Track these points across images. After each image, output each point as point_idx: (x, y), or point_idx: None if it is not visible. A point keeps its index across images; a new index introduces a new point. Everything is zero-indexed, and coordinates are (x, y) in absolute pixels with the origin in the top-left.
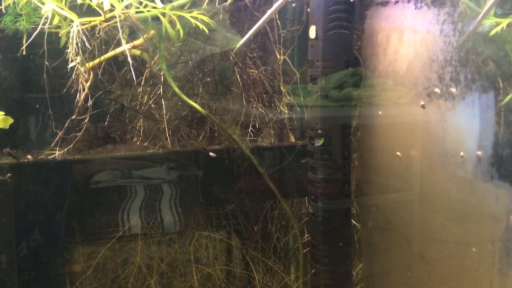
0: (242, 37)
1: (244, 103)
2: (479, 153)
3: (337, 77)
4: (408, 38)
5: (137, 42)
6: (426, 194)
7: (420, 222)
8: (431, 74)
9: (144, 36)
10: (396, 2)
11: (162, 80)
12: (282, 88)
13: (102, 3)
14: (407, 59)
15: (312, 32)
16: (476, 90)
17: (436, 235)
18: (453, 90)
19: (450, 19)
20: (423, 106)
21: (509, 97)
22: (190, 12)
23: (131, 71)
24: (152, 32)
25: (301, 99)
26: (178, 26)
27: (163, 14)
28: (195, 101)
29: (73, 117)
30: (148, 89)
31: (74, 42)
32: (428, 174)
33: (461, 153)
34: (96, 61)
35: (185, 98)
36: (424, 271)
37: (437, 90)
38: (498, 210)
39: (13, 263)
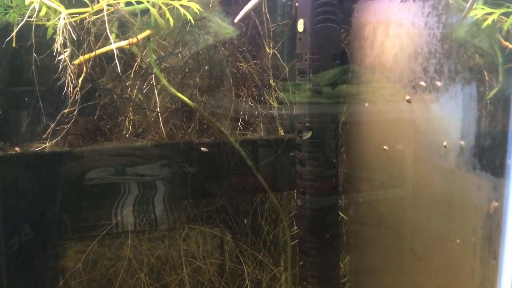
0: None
1: (234, 96)
2: (462, 142)
3: (330, 74)
4: (394, 31)
5: (132, 40)
6: (412, 186)
7: (406, 214)
8: (416, 66)
9: (136, 29)
10: None
11: (153, 72)
12: (271, 82)
13: None
14: (393, 52)
15: (300, 26)
16: (459, 82)
17: (421, 226)
18: (438, 82)
19: (435, 12)
20: (408, 101)
21: (495, 90)
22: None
23: (118, 65)
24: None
25: (291, 93)
26: (168, 15)
27: (153, 5)
28: (185, 94)
29: (65, 110)
30: (138, 82)
31: (61, 34)
32: (414, 166)
33: (444, 143)
34: (87, 56)
35: (173, 91)
36: (410, 262)
37: (422, 83)
38: (480, 199)
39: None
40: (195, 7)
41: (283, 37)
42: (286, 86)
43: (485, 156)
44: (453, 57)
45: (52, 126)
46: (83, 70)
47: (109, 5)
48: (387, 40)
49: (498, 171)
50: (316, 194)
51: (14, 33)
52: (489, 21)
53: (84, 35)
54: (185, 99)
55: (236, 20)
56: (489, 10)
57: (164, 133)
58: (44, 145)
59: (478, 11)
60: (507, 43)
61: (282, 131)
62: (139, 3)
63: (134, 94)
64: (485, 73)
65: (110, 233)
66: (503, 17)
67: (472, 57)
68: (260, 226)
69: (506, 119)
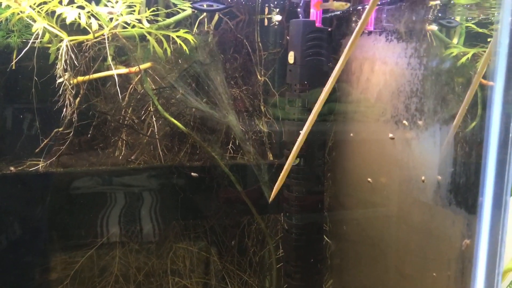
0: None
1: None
2: (439, 177)
3: (319, 93)
4: (379, 68)
5: (133, 69)
6: (393, 218)
7: (386, 244)
8: (399, 104)
9: (135, 56)
10: (369, 33)
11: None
12: (262, 107)
13: (91, 23)
14: (378, 88)
15: (291, 58)
16: (438, 121)
17: (400, 257)
18: (419, 121)
19: (416, 54)
20: (391, 138)
21: (471, 126)
22: (176, 31)
23: (118, 91)
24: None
25: (280, 120)
26: (165, 45)
27: (150, 34)
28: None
29: (60, 129)
30: (132, 104)
31: (63, 58)
32: (395, 199)
33: (423, 177)
34: (86, 77)
35: (167, 116)
36: None
37: (404, 122)
38: (454, 234)
39: None
40: (191, 38)
41: (274, 65)
42: (276, 113)
43: (460, 193)
44: (432, 97)
45: (45, 141)
46: (79, 91)
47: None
48: (372, 76)
49: (471, 208)
50: (302, 219)
51: (15, 58)
52: (463, 60)
53: (82, 58)
54: (178, 124)
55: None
56: (464, 49)
57: (159, 156)
58: (38, 163)
59: (454, 50)
60: (485, 81)
61: (271, 156)
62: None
63: (128, 115)
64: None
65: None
66: (482, 52)
67: (450, 98)
68: (247, 247)
69: (479, 157)
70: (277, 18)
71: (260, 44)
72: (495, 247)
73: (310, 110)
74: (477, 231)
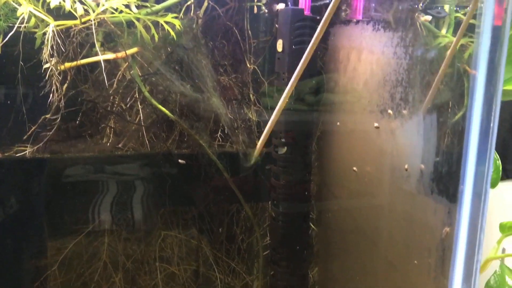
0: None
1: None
2: (422, 166)
3: (308, 85)
4: (365, 57)
5: (119, 54)
6: (377, 206)
7: (370, 232)
8: (384, 93)
9: (123, 42)
10: (357, 22)
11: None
12: (251, 96)
13: (76, 8)
14: (364, 77)
15: (279, 46)
16: (422, 110)
17: (384, 245)
18: (403, 110)
19: (402, 43)
20: (377, 127)
21: (460, 113)
22: (164, 16)
23: (105, 77)
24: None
25: (268, 108)
26: (153, 31)
27: (138, 20)
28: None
29: (48, 116)
30: (120, 91)
31: (49, 44)
32: (379, 188)
33: (406, 166)
34: (73, 63)
35: (155, 103)
36: (373, 277)
37: (389, 111)
38: (435, 223)
39: None
40: (178, 24)
41: (264, 53)
42: (265, 101)
43: (442, 181)
44: (417, 87)
45: (33, 128)
46: (67, 77)
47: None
48: (359, 65)
49: (451, 197)
50: (289, 207)
51: (2, 41)
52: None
53: (69, 43)
54: (166, 111)
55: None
56: (452, 38)
57: (146, 144)
58: (25, 149)
59: (443, 40)
60: (471, 70)
61: None
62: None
63: (116, 103)
64: (450, 102)
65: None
66: (470, 43)
67: (435, 88)
68: (235, 235)
69: (461, 146)
70: (280, 6)
71: (250, 31)
72: (475, 235)
73: (299, 99)
74: (457, 218)
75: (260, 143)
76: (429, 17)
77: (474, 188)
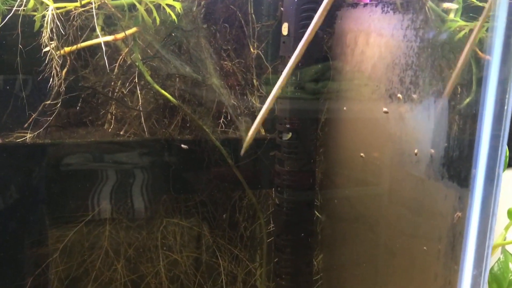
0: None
1: (217, 94)
2: (432, 151)
3: (314, 70)
4: (374, 40)
5: (118, 35)
6: (385, 192)
7: (378, 219)
8: (393, 76)
9: (123, 25)
10: (365, 5)
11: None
12: (255, 81)
13: None
14: (372, 61)
15: (285, 29)
16: (433, 94)
17: (392, 231)
18: (413, 95)
19: (413, 25)
20: (385, 112)
21: (468, 99)
22: None
23: (104, 59)
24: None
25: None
26: (155, 13)
27: (140, 2)
28: (169, 91)
29: (47, 102)
30: (121, 76)
31: (49, 27)
32: (387, 173)
33: (415, 150)
34: (73, 47)
35: (157, 87)
36: (381, 261)
37: (399, 95)
38: (445, 208)
39: None
40: (179, 7)
41: (268, 38)
42: (269, 86)
43: (453, 166)
44: (427, 70)
45: (34, 116)
46: (67, 62)
47: None
48: (367, 49)
49: (463, 182)
50: (293, 194)
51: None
52: (461, 35)
53: (69, 27)
54: (168, 95)
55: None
56: (463, 23)
57: (145, 130)
58: (25, 135)
59: (453, 25)
60: (482, 54)
61: (263, 131)
62: None
63: (117, 88)
64: (458, 86)
65: (88, 225)
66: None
67: (446, 71)
68: (238, 222)
69: (473, 131)
70: None
71: (253, 15)
72: (487, 220)
73: (304, 84)
74: (469, 203)
75: (251, 132)
76: (454, 5)
77: (487, 172)
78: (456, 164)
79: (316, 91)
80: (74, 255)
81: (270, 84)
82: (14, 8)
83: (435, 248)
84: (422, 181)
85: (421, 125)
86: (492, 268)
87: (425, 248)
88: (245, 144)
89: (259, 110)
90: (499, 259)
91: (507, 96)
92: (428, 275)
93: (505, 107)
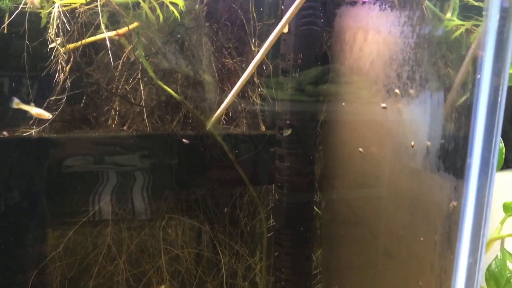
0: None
1: (219, 91)
2: (428, 143)
3: (312, 73)
4: (372, 37)
5: (121, 30)
6: (383, 186)
7: (376, 212)
8: (391, 72)
9: (127, 21)
10: (363, 3)
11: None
12: (255, 79)
13: None
14: (371, 58)
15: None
16: (429, 89)
17: (390, 224)
18: (410, 90)
19: (410, 22)
20: (384, 107)
21: (464, 97)
22: None
23: (109, 54)
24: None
25: (273, 91)
26: (158, 11)
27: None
28: (172, 87)
29: (52, 97)
30: (125, 73)
31: (55, 23)
32: (385, 168)
33: (412, 143)
34: (78, 43)
35: (160, 83)
36: (380, 257)
37: (397, 91)
38: (441, 199)
39: None
40: (181, 4)
41: (269, 36)
42: (269, 84)
43: (448, 158)
44: (424, 66)
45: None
46: (70, 58)
47: None
48: (365, 46)
49: (458, 172)
50: (293, 189)
51: (7, 20)
52: (457, 34)
53: (74, 24)
54: (171, 91)
55: None
56: (459, 22)
57: (148, 125)
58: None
59: (449, 23)
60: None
61: (264, 127)
62: None
63: (121, 85)
64: (454, 80)
65: (90, 221)
66: (475, 27)
67: (442, 66)
68: (238, 218)
69: (468, 124)
70: None
71: (254, 14)
72: (482, 208)
73: (304, 81)
74: (464, 192)
75: (220, 109)
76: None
77: (482, 161)
78: (451, 156)
79: (316, 86)
80: (76, 251)
81: (270, 83)
82: (21, 5)
83: (431, 239)
84: (419, 173)
85: (417, 118)
86: (489, 266)
87: (421, 238)
88: (213, 119)
89: (260, 108)
90: (496, 256)
91: (501, 86)
92: (424, 265)
93: (499, 99)
